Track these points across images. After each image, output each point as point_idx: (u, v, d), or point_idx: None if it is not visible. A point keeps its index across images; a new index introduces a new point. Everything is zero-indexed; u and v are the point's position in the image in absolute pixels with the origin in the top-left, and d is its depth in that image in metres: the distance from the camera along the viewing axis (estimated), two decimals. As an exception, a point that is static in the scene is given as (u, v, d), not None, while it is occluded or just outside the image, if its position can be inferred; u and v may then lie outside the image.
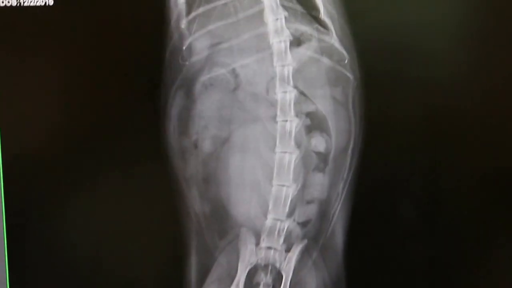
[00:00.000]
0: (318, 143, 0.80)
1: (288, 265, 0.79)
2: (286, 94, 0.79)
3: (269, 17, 0.78)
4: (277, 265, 0.79)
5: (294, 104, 0.80)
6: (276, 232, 0.80)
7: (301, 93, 0.80)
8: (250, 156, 0.80)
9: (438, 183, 0.80)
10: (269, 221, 0.81)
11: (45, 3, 0.73)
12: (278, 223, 0.81)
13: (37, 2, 0.73)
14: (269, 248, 0.80)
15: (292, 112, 0.80)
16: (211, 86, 0.79)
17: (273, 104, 0.80)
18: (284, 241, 0.80)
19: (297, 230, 0.81)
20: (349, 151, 0.80)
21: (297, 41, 0.79)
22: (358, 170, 0.81)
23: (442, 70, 0.77)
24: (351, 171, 0.80)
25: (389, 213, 0.80)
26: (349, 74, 0.79)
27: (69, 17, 0.75)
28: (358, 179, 0.81)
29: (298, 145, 0.80)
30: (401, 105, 0.79)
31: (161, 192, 0.81)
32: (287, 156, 0.79)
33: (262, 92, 0.80)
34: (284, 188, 0.80)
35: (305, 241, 0.80)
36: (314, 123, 0.80)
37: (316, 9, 0.77)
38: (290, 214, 0.81)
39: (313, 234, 0.81)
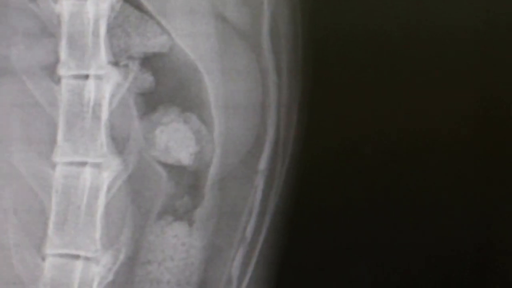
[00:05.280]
0: (176, 140, 0.49)
1: None
2: (84, 4, 0.49)
3: None
4: None
5: (108, 31, 0.49)
6: None
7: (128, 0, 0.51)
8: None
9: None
10: None
11: None
12: None
13: None
14: None
15: (103, 55, 0.48)
16: None
17: (45, 30, 0.49)
18: None
19: None
20: (260, 164, 0.50)
21: None
22: (287, 216, 0.54)
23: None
24: (268, 217, 0.52)
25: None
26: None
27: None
28: (288, 237, 0.54)
29: (120, 145, 0.49)
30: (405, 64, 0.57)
31: None
32: (88, 175, 0.48)
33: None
34: (79, 264, 0.48)
35: None
36: (164, 87, 0.49)
37: None
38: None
39: None
